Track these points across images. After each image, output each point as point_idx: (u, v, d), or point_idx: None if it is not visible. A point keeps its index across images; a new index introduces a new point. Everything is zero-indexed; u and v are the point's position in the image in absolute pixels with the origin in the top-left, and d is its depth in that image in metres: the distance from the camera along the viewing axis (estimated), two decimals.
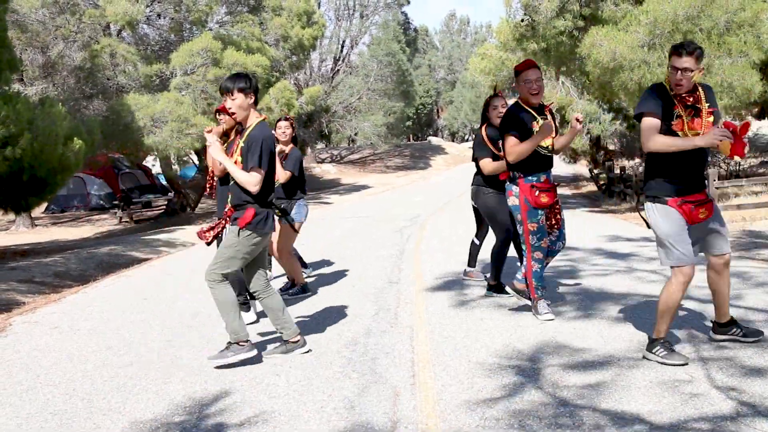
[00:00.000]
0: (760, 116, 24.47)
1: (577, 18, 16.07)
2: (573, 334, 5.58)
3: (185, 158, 23.86)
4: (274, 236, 7.33)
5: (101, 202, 27.94)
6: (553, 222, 6.24)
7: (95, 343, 6.09)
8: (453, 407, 4.19)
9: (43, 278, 10.62)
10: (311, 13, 28.69)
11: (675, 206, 4.72)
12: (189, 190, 25.36)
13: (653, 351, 4.78)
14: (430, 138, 73.56)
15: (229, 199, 5.29)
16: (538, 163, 6.03)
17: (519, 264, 6.59)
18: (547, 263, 6.40)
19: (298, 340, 5.43)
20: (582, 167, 35.27)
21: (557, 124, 6.50)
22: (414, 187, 34.34)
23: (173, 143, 18.66)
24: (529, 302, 6.24)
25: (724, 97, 14.19)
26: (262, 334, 6.16)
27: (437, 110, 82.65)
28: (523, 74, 6.07)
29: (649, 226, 4.90)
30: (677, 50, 4.67)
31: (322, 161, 50.31)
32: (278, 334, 5.51)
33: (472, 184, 7.38)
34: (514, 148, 5.91)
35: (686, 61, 4.63)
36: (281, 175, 7.29)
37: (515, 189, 6.05)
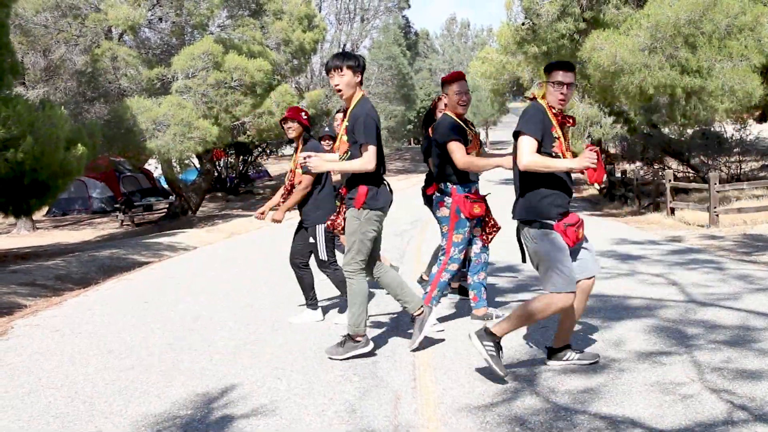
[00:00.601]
0: (761, 120, 24.47)
1: (578, 21, 16.09)
2: (574, 337, 5.58)
3: (186, 161, 23.89)
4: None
5: (103, 205, 27.98)
6: (488, 231, 6.27)
7: (96, 346, 6.10)
8: (454, 411, 4.19)
9: (45, 281, 10.63)
10: (312, 17, 28.73)
11: (560, 230, 4.63)
12: (190, 194, 25.36)
13: (483, 344, 4.65)
14: None
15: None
16: (469, 174, 6.02)
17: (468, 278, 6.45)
18: (484, 278, 6.30)
19: (422, 312, 5.40)
20: None
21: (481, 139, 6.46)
22: (415, 190, 34.20)
23: (175, 147, 18.68)
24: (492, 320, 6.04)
25: (725, 100, 14.22)
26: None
27: None
28: (452, 85, 6.03)
29: (524, 256, 4.87)
30: (562, 66, 4.61)
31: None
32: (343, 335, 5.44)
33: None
34: (466, 156, 5.89)
35: (570, 76, 4.57)
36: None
37: (447, 200, 6.00)
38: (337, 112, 7.54)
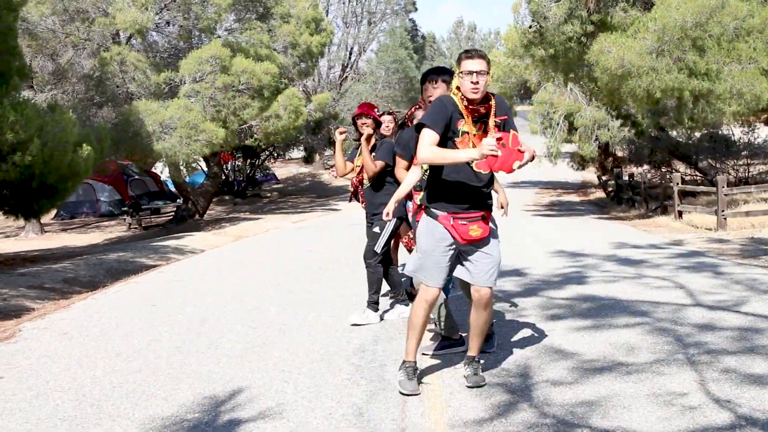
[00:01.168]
0: None
1: (585, 24, 16.06)
2: (579, 341, 5.57)
3: (193, 164, 23.94)
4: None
5: (110, 208, 28.02)
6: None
7: (104, 349, 6.11)
8: (462, 414, 4.18)
9: (53, 284, 10.66)
10: (319, 21, 28.75)
11: (445, 223, 4.50)
12: (198, 197, 25.41)
13: (398, 371, 4.71)
14: None
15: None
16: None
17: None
18: None
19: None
20: (590, 174, 35.19)
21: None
22: None
23: (182, 149, 18.72)
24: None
25: (732, 103, 14.18)
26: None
27: None
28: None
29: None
30: (467, 54, 4.47)
31: (330, 168, 50.31)
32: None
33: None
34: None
35: (478, 63, 4.40)
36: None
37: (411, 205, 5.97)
38: (381, 114, 7.17)
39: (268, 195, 37.67)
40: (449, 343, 5.38)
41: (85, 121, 17.62)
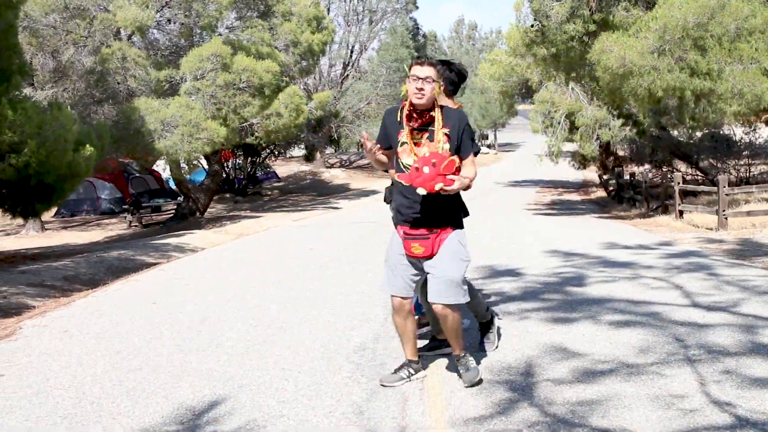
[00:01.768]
0: None
1: (587, 23, 16.04)
2: (581, 341, 5.57)
3: (194, 162, 23.92)
4: None
5: (111, 206, 28.04)
6: None
7: (104, 347, 6.11)
8: (462, 412, 4.18)
9: (53, 282, 10.66)
10: (321, 19, 28.74)
11: (399, 234, 4.65)
12: (199, 195, 25.41)
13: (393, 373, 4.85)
14: None
15: None
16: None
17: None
18: None
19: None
20: (591, 173, 35.22)
21: None
22: None
23: (183, 147, 18.71)
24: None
25: (733, 103, 14.17)
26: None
27: None
28: None
29: None
30: (418, 60, 4.58)
31: (331, 166, 50.37)
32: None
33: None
34: None
35: (426, 70, 4.47)
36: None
37: None
38: None
39: (269, 193, 37.67)
40: (437, 344, 5.35)
41: (86, 118, 17.60)
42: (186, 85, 19.90)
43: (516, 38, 19.88)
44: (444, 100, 4.94)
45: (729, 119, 16.91)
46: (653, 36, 14.20)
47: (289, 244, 13.82)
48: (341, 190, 38.35)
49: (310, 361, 5.38)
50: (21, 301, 9.05)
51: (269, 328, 6.54)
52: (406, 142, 4.51)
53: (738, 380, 4.47)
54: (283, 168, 46.46)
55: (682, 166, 23.94)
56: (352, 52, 48.86)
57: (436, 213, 4.54)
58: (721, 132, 22.98)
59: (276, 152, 40.69)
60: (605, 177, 29.36)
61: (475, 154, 4.69)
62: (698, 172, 23.56)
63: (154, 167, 30.05)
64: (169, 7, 20.90)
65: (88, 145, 12.10)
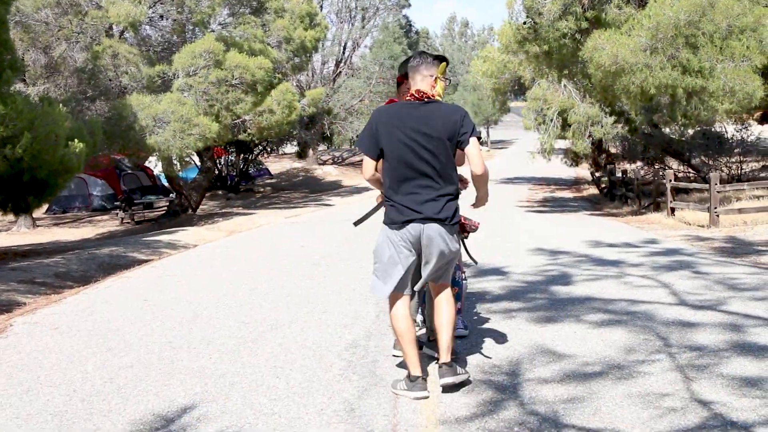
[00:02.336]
0: (762, 121, 24.48)
1: (580, 20, 16.07)
2: (570, 340, 5.58)
3: (187, 159, 23.87)
4: None
5: (103, 203, 27.98)
6: None
7: (95, 344, 6.09)
8: (452, 410, 4.19)
9: (44, 279, 10.62)
10: (314, 15, 28.70)
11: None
12: (191, 192, 25.36)
13: (395, 386, 4.58)
14: None
15: None
16: None
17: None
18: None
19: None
20: (584, 170, 35.28)
21: None
22: None
23: (175, 143, 18.66)
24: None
25: (725, 101, 14.21)
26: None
27: None
28: None
29: None
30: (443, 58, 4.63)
31: (324, 163, 50.35)
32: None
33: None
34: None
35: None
36: None
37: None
38: None
39: (261, 190, 37.64)
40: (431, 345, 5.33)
41: (78, 114, 17.54)
42: (178, 82, 19.86)
43: (508, 35, 19.87)
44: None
45: (721, 117, 16.95)
46: (645, 34, 14.23)
47: (281, 242, 13.82)
48: (333, 187, 38.32)
49: (301, 358, 5.38)
50: (12, 298, 9.02)
51: (261, 326, 6.54)
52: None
53: (724, 379, 4.48)
54: (275, 165, 46.42)
55: (674, 164, 24.00)
56: (344, 48, 48.84)
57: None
58: (713, 129, 23.04)
59: (268, 149, 40.67)
60: (597, 174, 29.43)
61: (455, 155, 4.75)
62: (690, 170, 23.63)
63: (146, 164, 29.98)
64: (161, 3, 20.85)
65: (79, 141, 12.06)
